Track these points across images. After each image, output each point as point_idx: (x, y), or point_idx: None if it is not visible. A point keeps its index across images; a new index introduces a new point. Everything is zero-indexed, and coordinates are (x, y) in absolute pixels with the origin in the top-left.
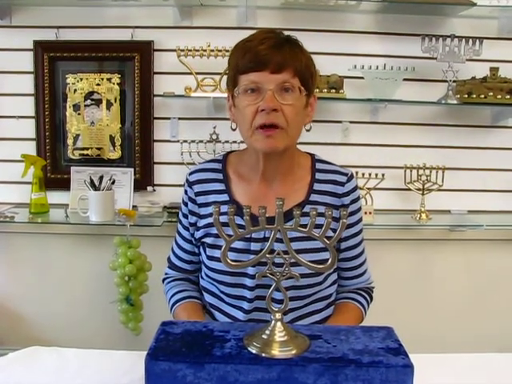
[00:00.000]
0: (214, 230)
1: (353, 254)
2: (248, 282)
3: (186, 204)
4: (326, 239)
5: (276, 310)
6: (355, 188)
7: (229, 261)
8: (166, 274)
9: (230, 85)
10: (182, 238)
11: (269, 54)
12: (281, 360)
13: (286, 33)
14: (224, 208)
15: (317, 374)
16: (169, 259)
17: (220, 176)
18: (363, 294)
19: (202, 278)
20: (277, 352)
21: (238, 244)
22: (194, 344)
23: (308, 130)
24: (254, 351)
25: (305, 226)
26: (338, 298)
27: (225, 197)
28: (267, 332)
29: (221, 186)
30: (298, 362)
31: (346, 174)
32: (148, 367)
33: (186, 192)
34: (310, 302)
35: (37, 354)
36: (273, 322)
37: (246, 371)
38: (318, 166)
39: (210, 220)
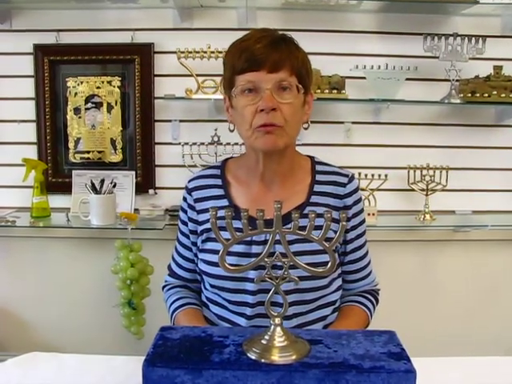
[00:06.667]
0: (213, 235)
1: (358, 255)
2: (249, 286)
3: (185, 211)
4: (325, 242)
5: (275, 314)
6: (357, 189)
7: (227, 265)
8: (166, 281)
9: (226, 86)
10: (181, 245)
11: (265, 53)
12: (280, 366)
13: (287, 33)
14: (222, 212)
15: (317, 380)
16: (169, 267)
17: (219, 182)
18: (369, 296)
19: (205, 288)
20: (276, 357)
21: (238, 247)
22: (193, 350)
23: (306, 129)
24: (253, 357)
25: (304, 228)
26: (344, 301)
27: (224, 202)
28: (266, 337)
29: (220, 192)
30: (297, 367)
31: (346, 176)
32: (145, 374)
33: (185, 199)
34: (316, 307)
35: (36, 360)
36: (272, 327)
37: (244, 377)
38: (318, 167)
39: (209, 225)
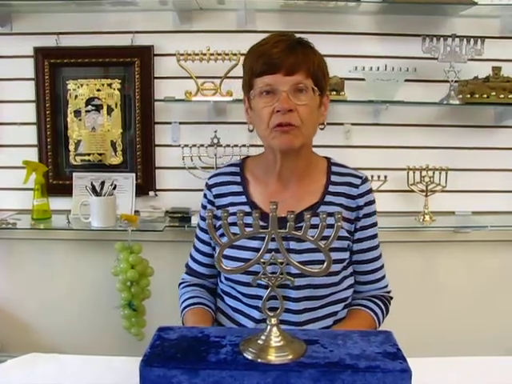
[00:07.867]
0: (230, 229)
1: (368, 257)
2: (262, 280)
3: (204, 207)
4: (320, 242)
5: (271, 314)
6: (369, 190)
7: (223, 266)
8: (183, 279)
9: (245, 88)
10: (200, 241)
11: (282, 56)
12: (276, 365)
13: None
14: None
15: (313, 380)
16: (187, 265)
17: (238, 179)
18: (378, 302)
19: (221, 281)
20: (273, 357)
21: (254, 243)
22: (189, 350)
23: (322, 129)
24: (249, 357)
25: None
26: (352, 304)
27: (242, 198)
28: (263, 337)
29: (239, 188)
30: (293, 367)
31: (360, 177)
32: (143, 374)
33: (205, 195)
34: (326, 303)
35: (35, 361)
36: (268, 327)
37: (241, 377)
38: (334, 168)
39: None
